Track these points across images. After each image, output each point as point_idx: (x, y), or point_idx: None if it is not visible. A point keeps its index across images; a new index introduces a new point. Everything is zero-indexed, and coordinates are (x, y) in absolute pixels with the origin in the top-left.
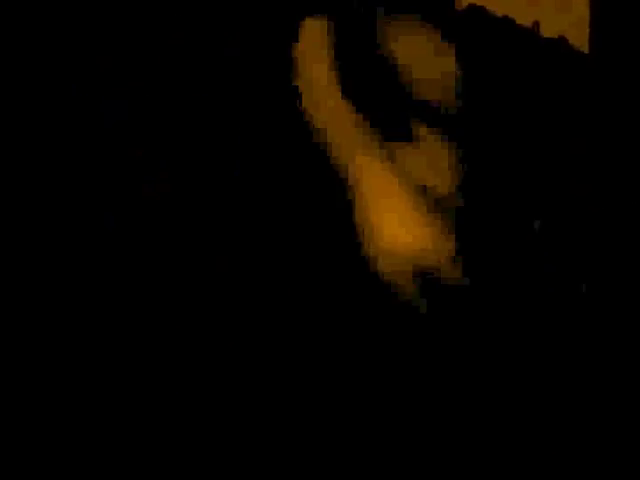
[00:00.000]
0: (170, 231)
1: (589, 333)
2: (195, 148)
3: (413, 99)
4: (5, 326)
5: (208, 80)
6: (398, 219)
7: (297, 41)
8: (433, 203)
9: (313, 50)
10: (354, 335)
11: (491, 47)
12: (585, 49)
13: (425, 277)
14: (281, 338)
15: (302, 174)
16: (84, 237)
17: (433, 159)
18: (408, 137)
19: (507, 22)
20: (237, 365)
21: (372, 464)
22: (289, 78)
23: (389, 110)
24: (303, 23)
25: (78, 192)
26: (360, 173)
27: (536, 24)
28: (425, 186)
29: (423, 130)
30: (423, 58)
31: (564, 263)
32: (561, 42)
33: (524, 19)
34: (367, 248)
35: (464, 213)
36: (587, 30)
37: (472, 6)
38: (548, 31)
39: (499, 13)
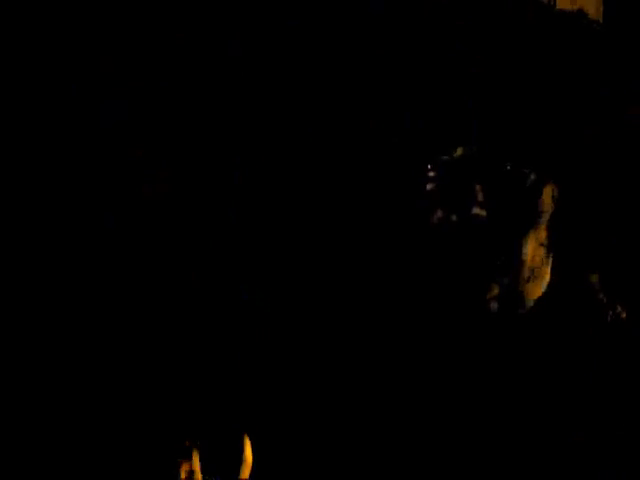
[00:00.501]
0: (170, 231)
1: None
2: (195, 148)
3: None
4: (5, 326)
5: (209, 80)
6: None
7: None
8: None
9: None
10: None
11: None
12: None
13: None
14: (281, 339)
15: (299, 174)
16: (84, 237)
17: None
18: None
19: None
20: (237, 365)
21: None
22: (289, 78)
23: None
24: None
25: (78, 192)
26: None
27: None
28: None
29: None
30: None
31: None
32: (578, 14)
33: None
34: None
35: None
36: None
37: None
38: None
39: None
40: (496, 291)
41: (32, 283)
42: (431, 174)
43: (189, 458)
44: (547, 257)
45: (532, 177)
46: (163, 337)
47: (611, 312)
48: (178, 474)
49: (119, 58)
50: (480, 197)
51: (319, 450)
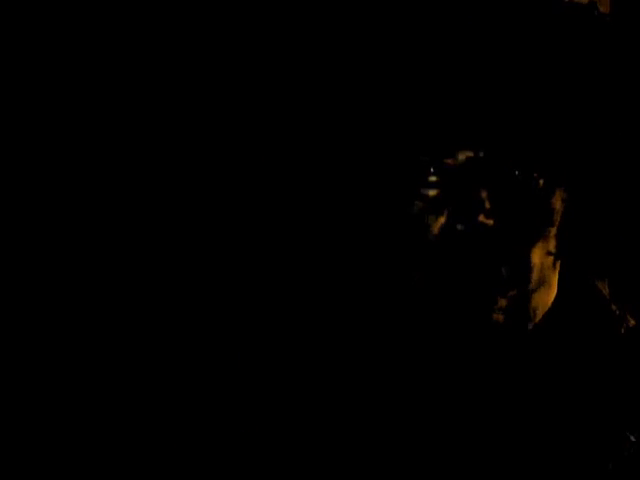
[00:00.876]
0: (170, 231)
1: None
2: (195, 148)
3: None
4: (4, 326)
5: (209, 80)
6: None
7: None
8: None
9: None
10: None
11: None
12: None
13: None
14: (282, 339)
15: (303, 175)
16: (83, 237)
17: None
18: None
19: None
20: (238, 366)
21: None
22: (290, 77)
23: None
24: None
25: (77, 192)
26: None
27: None
28: None
29: None
30: None
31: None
32: (590, 7)
33: None
34: None
35: None
36: None
37: None
38: None
39: None
40: (502, 303)
41: (31, 283)
42: (433, 179)
43: None
44: (555, 266)
45: (542, 182)
46: (163, 337)
47: (625, 324)
48: None
49: (119, 58)
50: (487, 204)
51: (318, 451)
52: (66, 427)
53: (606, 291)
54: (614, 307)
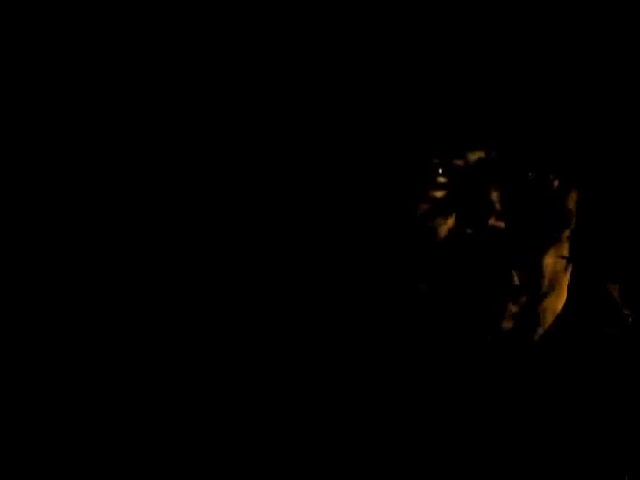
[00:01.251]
0: (170, 231)
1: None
2: (195, 148)
3: None
4: (4, 326)
5: (208, 80)
6: None
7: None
8: None
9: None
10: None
11: None
12: None
13: None
14: (283, 343)
15: (306, 175)
16: (83, 237)
17: None
18: None
19: None
20: (238, 366)
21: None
22: (291, 77)
23: None
24: None
25: (77, 192)
26: None
27: None
28: None
29: None
30: None
31: None
32: None
33: None
34: None
35: None
36: None
37: None
38: None
39: None
40: (512, 309)
41: (31, 283)
42: (442, 180)
43: None
44: (566, 269)
45: (556, 184)
46: (162, 336)
47: (637, 328)
48: None
49: (119, 58)
50: (498, 207)
51: (318, 451)
52: (66, 427)
53: (617, 295)
54: (626, 311)
